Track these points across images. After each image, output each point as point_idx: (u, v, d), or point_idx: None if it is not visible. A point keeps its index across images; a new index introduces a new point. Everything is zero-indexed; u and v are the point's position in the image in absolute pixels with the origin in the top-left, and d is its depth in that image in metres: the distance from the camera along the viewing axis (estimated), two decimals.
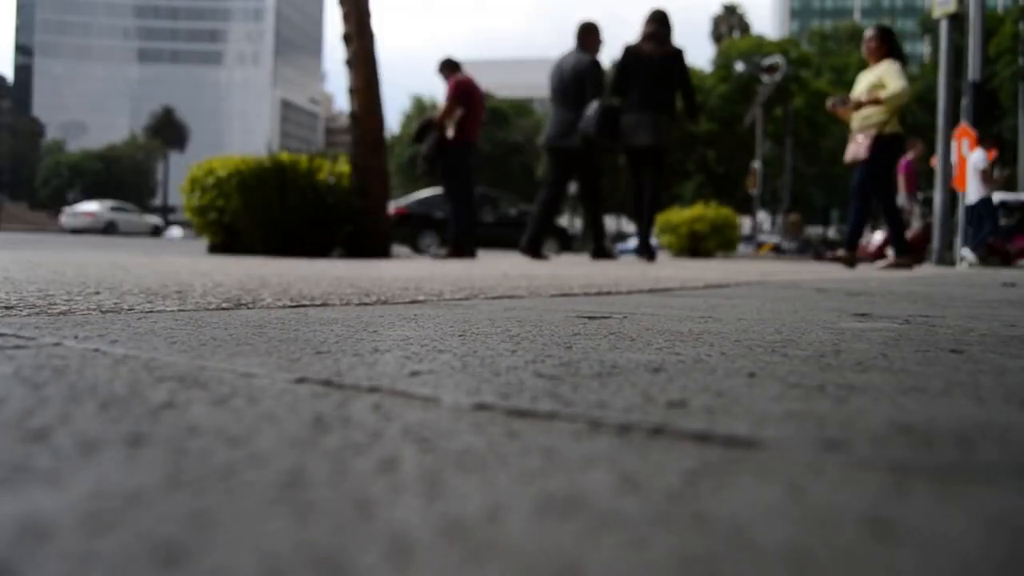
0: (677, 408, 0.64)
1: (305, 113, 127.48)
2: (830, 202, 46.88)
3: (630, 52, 6.28)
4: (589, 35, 6.51)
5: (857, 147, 6.34)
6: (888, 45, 6.38)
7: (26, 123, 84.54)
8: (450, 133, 7.22)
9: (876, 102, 6.22)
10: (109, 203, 32.67)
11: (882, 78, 6.25)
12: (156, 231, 31.40)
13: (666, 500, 0.41)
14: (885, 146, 6.30)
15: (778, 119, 41.30)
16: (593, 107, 6.06)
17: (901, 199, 9.83)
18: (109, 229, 29.39)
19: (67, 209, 32.37)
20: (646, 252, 6.41)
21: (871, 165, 6.36)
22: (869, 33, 6.53)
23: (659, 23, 6.31)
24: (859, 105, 6.28)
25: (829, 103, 6.61)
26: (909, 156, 10.37)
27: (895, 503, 0.41)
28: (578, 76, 6.25)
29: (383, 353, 0.92)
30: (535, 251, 6.44)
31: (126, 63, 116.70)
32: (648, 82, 6.16)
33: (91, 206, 31.54)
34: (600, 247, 6.80)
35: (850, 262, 6.56)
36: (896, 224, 6.70)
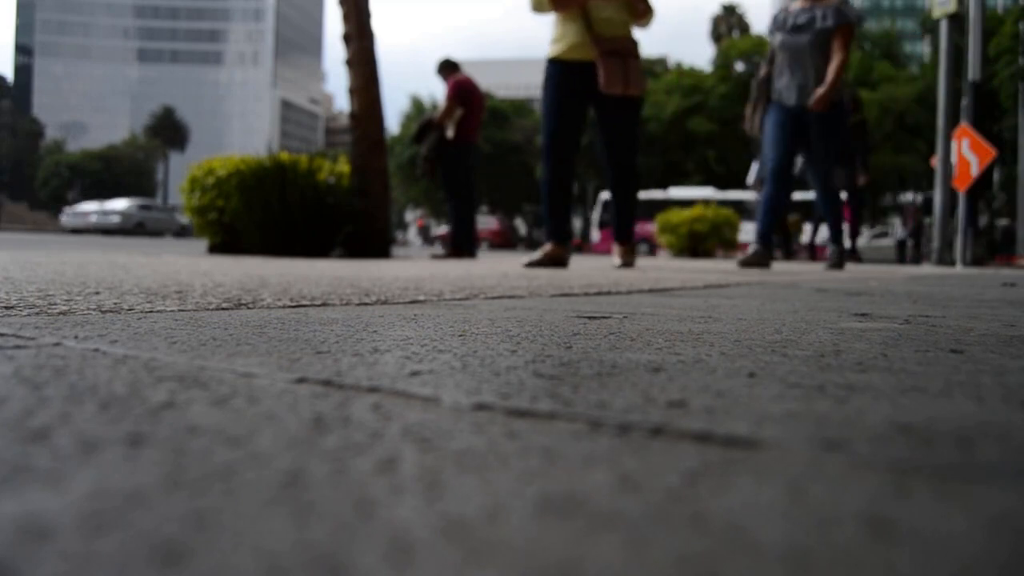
0: (677, 408, 0.64)
1: (305, 113, 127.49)
2: None
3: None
4: None
5: (622, 71, 4.50)
6: None
7: (26, 123, 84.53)
8: (450, 133, 7.23)
9: (646, 10, 4.68)
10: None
11: None
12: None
13: (666, 500, 0.41)
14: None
15: None
16: (800, 161, 8.60)
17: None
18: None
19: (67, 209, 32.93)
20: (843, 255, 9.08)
21: (638, 106, 4.71)
22: None
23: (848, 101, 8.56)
24: None
25: None
26: None
27: (895, 503, 0.41)
28: None
29: (383, 353, 0.92)
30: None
31: (126, 63, 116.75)
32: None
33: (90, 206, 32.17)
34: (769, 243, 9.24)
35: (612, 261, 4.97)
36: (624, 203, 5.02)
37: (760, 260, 5.48)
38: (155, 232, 28.89)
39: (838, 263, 5.99)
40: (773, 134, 5.42)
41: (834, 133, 5.33)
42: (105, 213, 29.73)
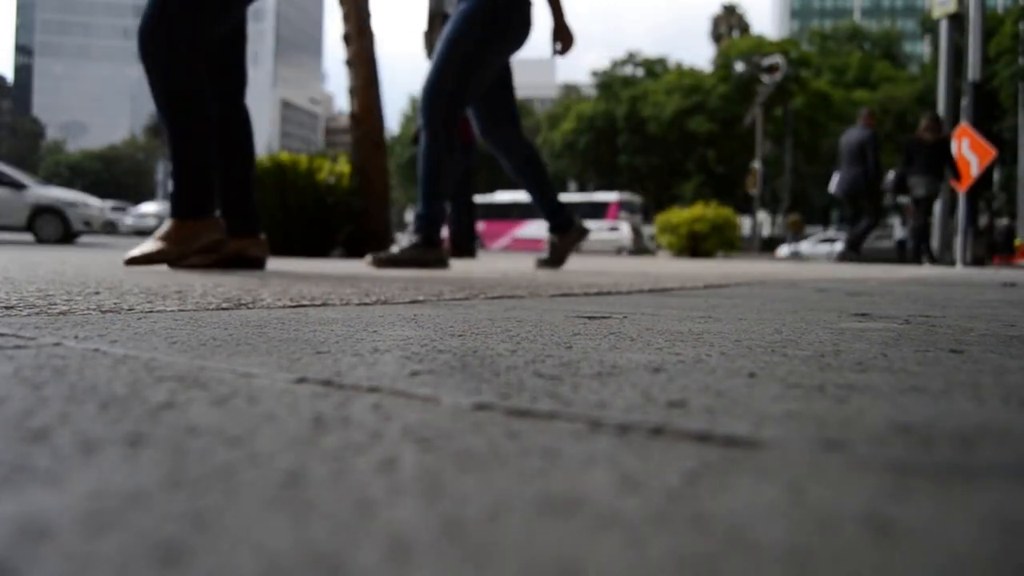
0: (677, 408, 0.64)
1: (305, 113, 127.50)
2: (830, 202, 46.90)
3: (913, 139, 10.07)
4: (868, 118, 10.42)
5: None
6: None
7: (26, 123, 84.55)
8: None
9: None
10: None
11: None
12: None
13: (666, 500, 0.41)
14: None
15: (778, 119, 41.30)
16: (892, 175, 10.16)
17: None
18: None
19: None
20: (930, 256, 10.21)
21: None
22: None
23: (933, 122, 9.92)
24: None
25: None
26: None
27: (895, 503, 0.41)
28: (862, 145, 9.98)
29: (383, 353, 0.92)
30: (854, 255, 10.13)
31: (126, 63, 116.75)
32: (924, 158, 9.79)
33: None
34: (855, 248, 10.30)
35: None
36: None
37: (418, 257, 3.73)
38: None
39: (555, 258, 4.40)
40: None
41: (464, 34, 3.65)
42: (141, 216, 30.50)
